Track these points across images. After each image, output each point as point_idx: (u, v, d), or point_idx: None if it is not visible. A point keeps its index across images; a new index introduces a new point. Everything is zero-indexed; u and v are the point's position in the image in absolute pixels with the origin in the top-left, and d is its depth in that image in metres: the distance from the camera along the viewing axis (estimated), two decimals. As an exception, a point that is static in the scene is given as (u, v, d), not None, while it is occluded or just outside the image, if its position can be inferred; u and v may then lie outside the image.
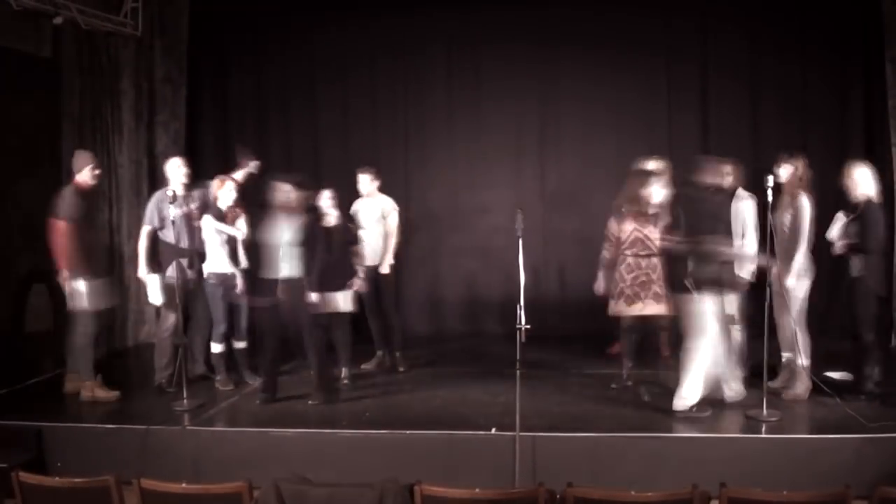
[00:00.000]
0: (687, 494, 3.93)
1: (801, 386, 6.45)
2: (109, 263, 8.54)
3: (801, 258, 6.28)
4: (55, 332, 7.85)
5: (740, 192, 6.70)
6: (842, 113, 9.10)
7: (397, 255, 7.89)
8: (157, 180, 8.73)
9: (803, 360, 6.43)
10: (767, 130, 9.14)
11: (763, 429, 5.85)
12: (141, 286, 7.52)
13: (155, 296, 6.98)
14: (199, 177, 7.39)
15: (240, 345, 7.23)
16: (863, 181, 6.28)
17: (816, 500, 3.89)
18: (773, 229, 6.12)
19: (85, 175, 6.80)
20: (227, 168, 7.75)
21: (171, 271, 6.86)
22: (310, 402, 6.65)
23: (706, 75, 9.39)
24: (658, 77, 9.45)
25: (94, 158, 6.97)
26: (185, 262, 6.97)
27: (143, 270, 6.99)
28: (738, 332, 6.60)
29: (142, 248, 7.02)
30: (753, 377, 6.45)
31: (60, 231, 6.59)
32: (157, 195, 7.12)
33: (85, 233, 6.76)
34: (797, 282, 6.30)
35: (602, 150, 9.34)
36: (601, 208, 9.15)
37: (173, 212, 6.84)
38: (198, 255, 7.05)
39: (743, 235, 6.65)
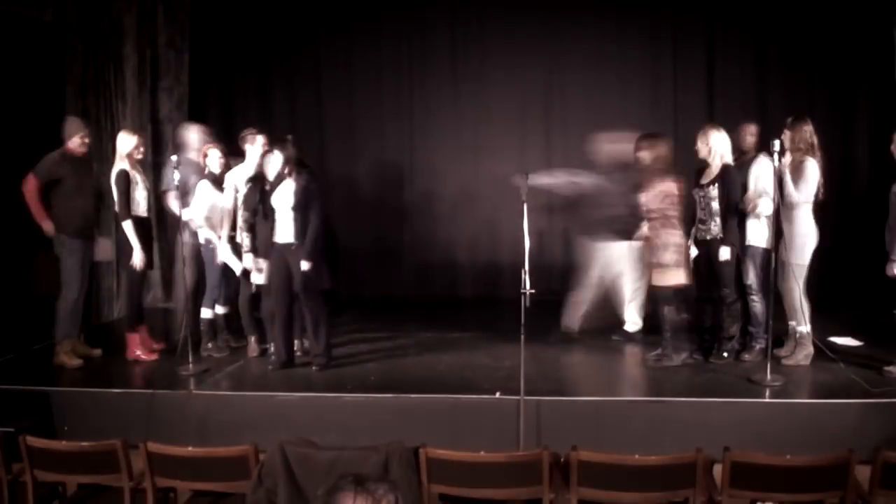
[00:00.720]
0: (691, 458, 3.94)
1: (802, 352, 6.44)
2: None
3: (803, 223, 6.24)
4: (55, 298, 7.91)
5: (762, 156, 6.63)
6: (848, 80, 9.02)
7: (405, 219, 7.79)
8: (161, 146, 8.69)
9: (805, 327, 6.42)
10: (774, 96, 9.06)
11: (766, 393, 5.85)
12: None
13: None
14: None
15: (222, 310, 7.19)
16: (719, 145, 6.36)
17: (819, 464, 3.90)
18: (779, 195, 6.11)
19: (75, 142, 6.82)
20: (232, 133, 7.70)
21: (188, 237, 6.89)
22: (314, 367, 6.63)
23: (713, 37, 9.30)
24: (664, 40, 9.37)
25: (84, 126, 6.98)
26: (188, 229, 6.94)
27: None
28: (757, 302, 6.56)
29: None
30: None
31: (27, 186, 6.69)
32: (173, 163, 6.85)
33: (70, 197, 6.78)
34: (801, 248, 6.27)
35: (608, 116, 9.24)
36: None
37: (190, 179, 6.83)
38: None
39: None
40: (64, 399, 6.14)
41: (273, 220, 6.48)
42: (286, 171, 6.41)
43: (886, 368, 6.09)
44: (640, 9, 9.30)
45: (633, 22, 9.32)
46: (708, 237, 6.41)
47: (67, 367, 6.77)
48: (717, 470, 4.22)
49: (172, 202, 6.92)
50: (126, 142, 6.76)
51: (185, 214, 6.80)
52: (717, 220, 6.34)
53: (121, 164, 6.75)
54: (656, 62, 9.39)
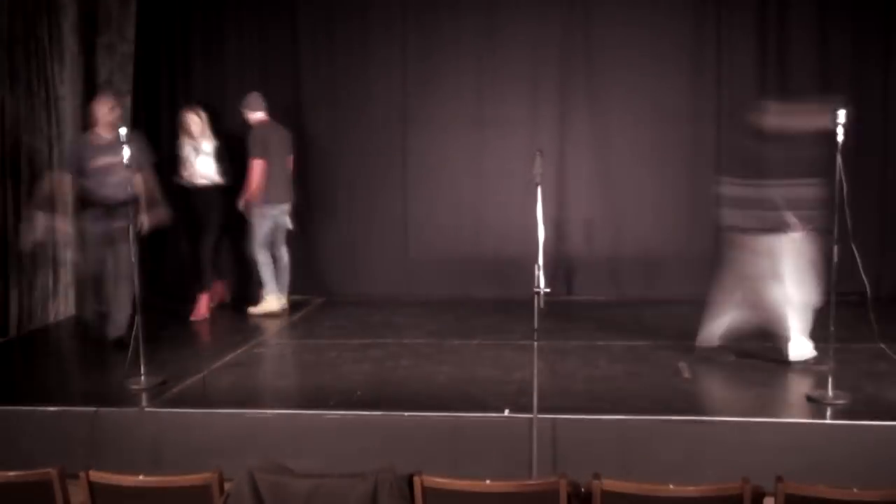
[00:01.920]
0: (736, 489, 3.94)
1: None
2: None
3: None
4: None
5: None
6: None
7: (396, 206, 7.80)
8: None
9: None
10: (838, 62, 9.09)
11: (828, 413, 5.87)
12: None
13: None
14: (153, 111, 7.37)
15: None
16: None
17: (893, 500, 3.89)
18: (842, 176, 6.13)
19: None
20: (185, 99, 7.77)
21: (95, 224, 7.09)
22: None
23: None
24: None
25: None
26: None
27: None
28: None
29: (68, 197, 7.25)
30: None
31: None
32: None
33: None
34: None
35: (638, 84, 9.28)
36: (636, 152, 9.23)
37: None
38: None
39: None
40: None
41: None
42: None
43: None
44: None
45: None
46: None
47: None
48: (767, 503, 4.23)
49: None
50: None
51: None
52: None
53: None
54: (699, 19, 9.36)
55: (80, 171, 7.36)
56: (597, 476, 4.02)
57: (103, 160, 7.21)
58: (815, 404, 5.97)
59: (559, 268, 9.27)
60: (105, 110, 7.41)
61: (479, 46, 9.64)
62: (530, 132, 9.45)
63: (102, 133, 7.37)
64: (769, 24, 9.27)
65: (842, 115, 5.86)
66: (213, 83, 9.80)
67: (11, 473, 4.34)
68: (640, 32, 9.40)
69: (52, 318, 8.92)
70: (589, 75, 9.57)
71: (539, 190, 5.46)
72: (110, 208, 7.23)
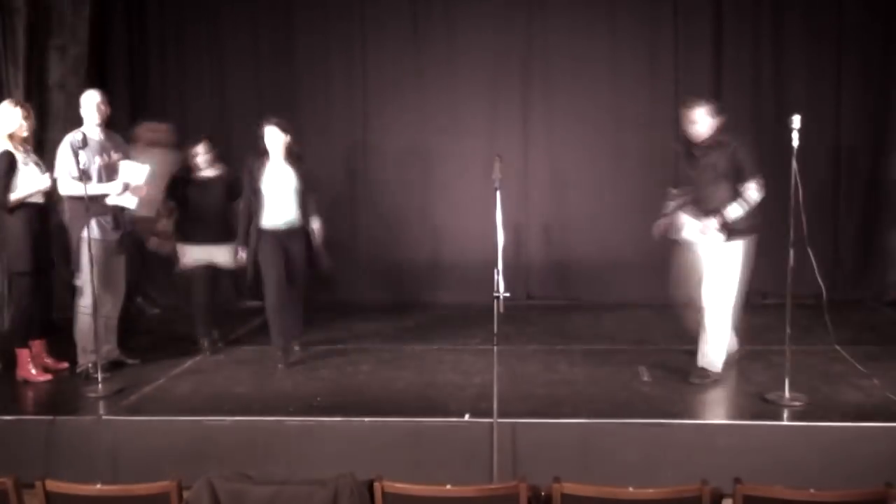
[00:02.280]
0: (695, 491, 3.95)
1: None
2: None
3: None
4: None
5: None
6: (884, 48, 9.16)
7: (355, 211, 7.76)
8: (47, 118, 8.52)
9: None
10: (791, 66, 9.20)
11: (784, 414, 5.91)
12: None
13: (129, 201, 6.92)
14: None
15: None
16: None
17: (850, 500, 3.92)
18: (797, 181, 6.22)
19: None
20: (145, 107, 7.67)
21: (95, 232, 6.76)
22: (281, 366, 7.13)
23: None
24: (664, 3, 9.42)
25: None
26: (107, 221, 6.86)
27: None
28: None
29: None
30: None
31: None
32: (70, 138, 6.86)
33: None
34: None
35: (596, 92, 9.33)
36: (595, 158, 9.28)
37: (95, 160, 6.74)
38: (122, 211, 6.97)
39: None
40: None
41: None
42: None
43: None
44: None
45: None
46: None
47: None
48: (725, 504, 4.25)
49: (71, 187, 6.84)
50: (10, 116, 6.68)
51: (122, 201, 6.87)
52: None
53: (2, 143, 6.67)
54: (655, 27, 9.45)
55: None
56: (557, 479, 4.02)
57: None
58: (772, 406, 6.01)
59: (518, 272, 9.25)
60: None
61: (440, 54, 9.66)
62: (489, 139, 9.47)
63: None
64: (725, 32, 9.38)
65: (796, 120, 5.93)
66: (169, 85, 9.73)
67: None
68: (598, 42, 9.47)
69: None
70: (547, 83, 9.62)
71: (498, 194, 5.47)
72: None
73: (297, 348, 7.47)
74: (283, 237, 7.13)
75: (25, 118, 6.78)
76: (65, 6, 9.06)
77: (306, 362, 7.33)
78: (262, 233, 7.09)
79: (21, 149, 6.77)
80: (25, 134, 6.82)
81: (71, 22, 9.08)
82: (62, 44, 9.05)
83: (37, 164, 6.82)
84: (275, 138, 7.08)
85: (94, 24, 9.27)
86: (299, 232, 7.21)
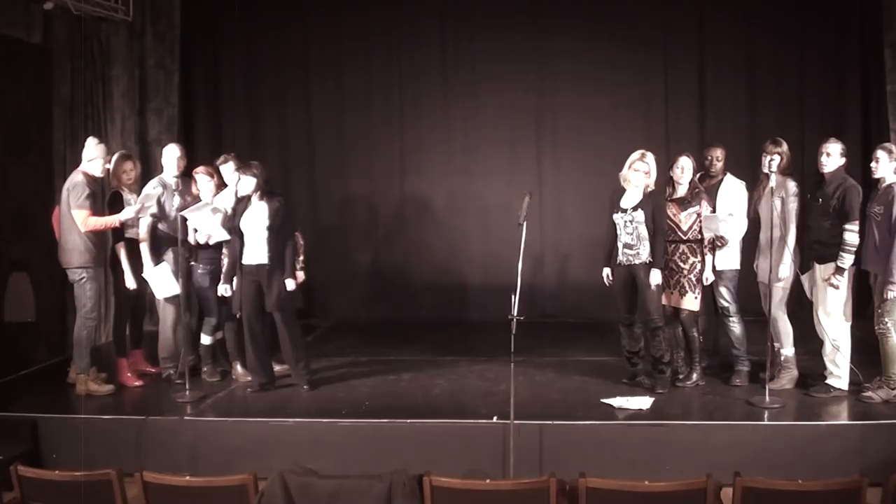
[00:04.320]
0: (701, 484, 3.90)
1: (787, 376, 6.41)
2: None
3: (793, 243, 6.24)
4: (40, 322, 7.82)
5: (729, 177, 6.63)
6: (840, 98, 9.12)
7: (395, 241, 7.72)
8: (150, 168, 8.61)
9: (789, 350, 6.42)
10: (765, 117, 9.14)
11: (766, 416, 5.83)
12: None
13: (164, 289, 6.82)
14: (193, 166, 7.25)
15: (219, 335, 7.10)
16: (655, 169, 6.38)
17: (832, 489, 3.86)
18: (758, 217, 6.33)
19: (97, 165, 6.64)
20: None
21: (171, 263, 6.76)
22: (305, 387, 6.64)
23: (703, 60, 9.37)
24: (655, 64, 9.41)
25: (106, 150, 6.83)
26: (184, 252, 6.83)
27: (149, 265, 6.82)
28: (737, 324, 6.54)
29: (145, 240, 6.83)
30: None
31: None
32: (154, 183, 6.92)
33: None
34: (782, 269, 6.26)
35: (599, 139, 9.29)
36: (597, 195, 9.22)
37: (174, 201, 6.72)
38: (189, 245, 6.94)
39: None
40: (53, 426, 6.01)
41: (241, 243, 6.50)
42: (257, 193, 6.45)
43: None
44: (630, 31, 9.36)
45: (623, 44, 9.35)
46: (637, 262, 6.29)
47: (99, 394, 6.62)
48: (724, 494, 4.18)
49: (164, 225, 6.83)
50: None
51: (208, 236, 6.74)
52: (646, 244, 6.23)
53: (113, 183, 6.73)
54: (647, 84, 9.43)
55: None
56: (582, 475, 3.96)
57: None
58: (755, 408, 5.93)
59: (534, 293, 9.17)
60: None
61: (466, 107, 9.64)
62: (509, 179, 9.45)
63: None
64: (707, 88, 9.36)
65: (774, 163, 5.93)
66: (239, 144, 9.76)
67: (78, 473, 4.32)
68: (598, 95, 9.43)
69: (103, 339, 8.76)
70: (556, 132, 9.58)
71: (524, 229, 5.44)
72: None
73: (300, 370, 6.75)
74: (257, 273, 6.43)
75: (131, 169, 6.92)
76: (159, 76, 9.17)
77: (355, 372, 7.24)
78: (241, 269, 6.50)
79: (127, 190, 6.84)
80: (129, 180, 6.90)
81: (164, 88, 9.18)
82: (157, 107, 9.15)
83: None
84: (245, 180, 6.42)
85: (183, 90, 9.35)
86: (274, 269, 6.40)
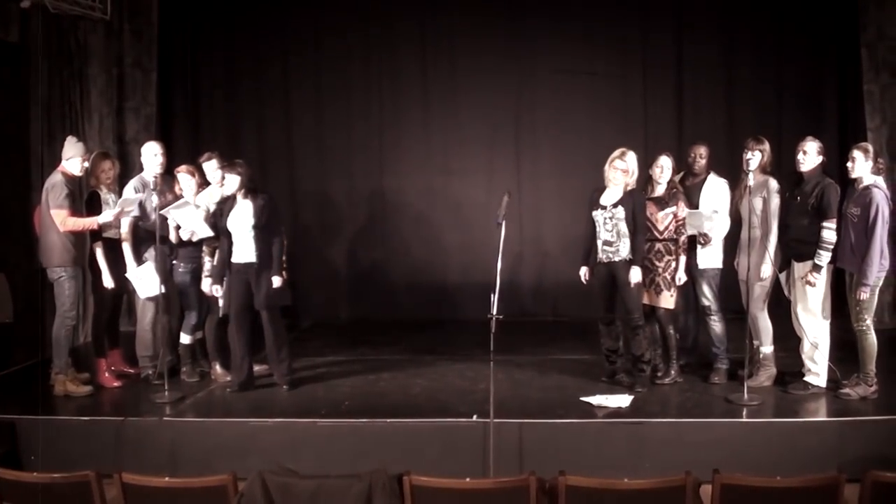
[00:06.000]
0: (680, 481, 3.90)
1: (765, 374, 6.45)
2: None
3: (774, 242, 6.27)
4: (17, 323, 7.77)
5: (712, 175, 6.66)
6: (817, 98, 9.19)
7: (375, 240, 7.65)
8: (128, 167, 8.54)
9: (768, 348, 6.46)
10: (741, 117, 9.19)
11: (744, 413, 5.87)
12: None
13: (147, 288, 6.76)
14: (171, 165, 7.18)
15: (199, 334, 7.05)
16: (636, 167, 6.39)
17: (809, 486, 3.88)
18: (739, 215, 6.35)
19: (75, 164, 6.57)
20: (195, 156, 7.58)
21: (152, 262, 6.70)
22: (284, 387, 6.61)
23: (680, 62, 9.40)
24: (633, 64, 9.44)
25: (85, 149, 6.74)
26: (165, 250, 6.77)
27: (132, 264, 6.77)
28: (717, 322, 6.57)
29: (127, 240, 6.78)
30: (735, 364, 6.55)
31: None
32: (134, 183, 6.87)
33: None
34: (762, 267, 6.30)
35: (578, 139, 9.30)
36: (576, 194, 9.24)
37: (153, 200, 6.63)
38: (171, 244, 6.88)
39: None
40: (31, 428, 5.94)
41: (229, 242, 6.46)
42: (241, 192, 6.41)
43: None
44: (608, 31, 9.40)
45: (601, 43, 9.40)
46: (616, 259, 6.32)
47: (76, 395, 6.57)
48: (703, 491, 4.19)
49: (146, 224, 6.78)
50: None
51: (191, 233, 6.69)
52: (626, 241, 6.26)
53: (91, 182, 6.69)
54: (625, 83, 9.45)
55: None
56: (562, 473, 3.96)
57: None
58: (733, 406, 5.97)
59: (513, 292, 9.17)
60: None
61: (444, 110, 9.63)
62: (487, 178, 9.45)
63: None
64: (685, 87, 9.41)
65: (754, 162, 5.97)
66: (217, 143, 9.67)
67: (57, 475, 4.29)
68: (577, 95, 9.44)
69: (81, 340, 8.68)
70: (535, 132, 9.58)
71: (503, 228, 5.44)
72: None
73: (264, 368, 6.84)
74: (245, 272, 6.42)
75: (109, 168, 6.87)
76: (137, 75, 9.12)
77: (334, 372, 7.21)
78: (230, 267, 6.50)
79: (105, 189, 6.79)
80: (109, 180, 6.85)
81: (142, 87, 9.13)
82: (135, 106, 9.10)
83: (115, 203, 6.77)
84: (229, 178, 6.42)
85: (161, 89, 9.30)
86: (262, 268, 6.39)
